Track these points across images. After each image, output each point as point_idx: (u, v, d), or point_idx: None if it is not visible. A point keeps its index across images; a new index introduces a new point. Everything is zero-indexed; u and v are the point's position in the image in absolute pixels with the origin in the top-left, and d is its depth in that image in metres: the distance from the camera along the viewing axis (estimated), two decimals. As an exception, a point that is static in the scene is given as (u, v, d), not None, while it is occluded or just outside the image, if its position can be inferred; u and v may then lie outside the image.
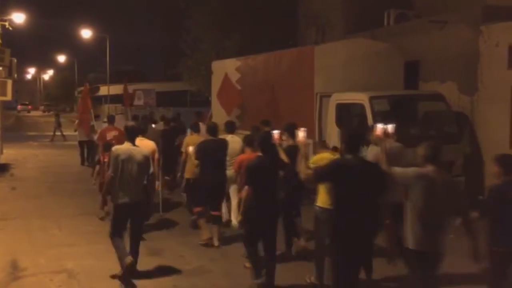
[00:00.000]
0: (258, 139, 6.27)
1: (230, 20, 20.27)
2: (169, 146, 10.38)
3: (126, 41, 66.34)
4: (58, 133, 25.06)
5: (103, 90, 36.18)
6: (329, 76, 10.29)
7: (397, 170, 4.73)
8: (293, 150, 5.91)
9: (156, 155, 8.23)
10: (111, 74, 36.35)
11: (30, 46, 79.82)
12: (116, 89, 38.41)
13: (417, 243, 4.55)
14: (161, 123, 12.69)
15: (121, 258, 6.10)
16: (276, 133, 6.01)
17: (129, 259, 6.05)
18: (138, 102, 26.45)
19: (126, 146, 6.33)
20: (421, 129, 9.93)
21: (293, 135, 6.34)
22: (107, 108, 22.75)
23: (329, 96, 10.09)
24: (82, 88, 52.01)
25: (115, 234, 6.22)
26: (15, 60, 17.10)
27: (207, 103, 19.29)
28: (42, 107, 74.27)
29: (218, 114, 13.56)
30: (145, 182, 6.37)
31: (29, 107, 74.16)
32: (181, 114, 16.95)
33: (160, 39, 47.63)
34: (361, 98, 9.39)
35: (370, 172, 4.73)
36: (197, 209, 7.90)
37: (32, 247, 7.73)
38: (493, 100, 10.37)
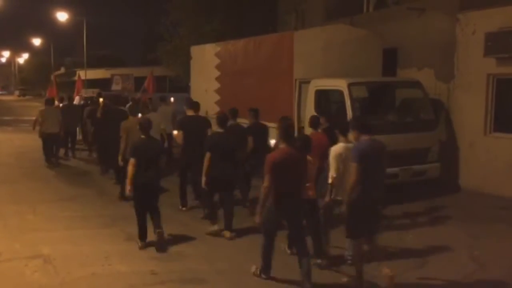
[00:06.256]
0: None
1: (210, 5, 20.07)
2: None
3: (104, 25, 65.02)
4: None
5: (80, 75, 35.55)
6: (308, 62, 10.29)
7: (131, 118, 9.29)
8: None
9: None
10: (89, 59, 35.73)
11: (4, 29, 77.91)
12: (93, 73, 37.86)
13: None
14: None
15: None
16: None
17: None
18: (116, 87, 26.10)
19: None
20: (398, 116, 10.04)
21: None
22: (84, 93, 22.41)
23: (308, 82, 10.10)
24: (58, 72, 51.18)
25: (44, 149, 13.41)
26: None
27: (187, 89, 19.16)
28: (17, 92, 72.74)
29: (197, 99, 13.48)
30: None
31: None
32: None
33: (139, 23, 46.98)
34: (340, 84, 9.42)
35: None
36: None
37: (7, 232, 7.62)
38: (469, 87, 10.51)
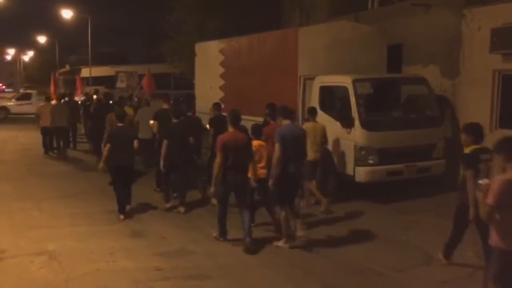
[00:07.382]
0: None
1: (214, 1, 20.01)
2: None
3: (108, 22, 65.19)
4: None
5: (85, 72, 35.64)
6: (313, 58, 10.24)
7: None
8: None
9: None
10: (93, 56, 35.77)
11: (10, 27, 78.09)
12: (98, 71, 37.90)
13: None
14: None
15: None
16: None
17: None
18: (121, 84, 26.14)
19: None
20: (403, 112, 10.00)
21: None
22: (89, 90, 22.57)
23: (313, 78, 10.06)
24: (63, 70, 51.24)
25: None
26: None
27: (191, 86, 19.16)
28: (22, 89, 72.86)
29: (202, 96, 13.54)
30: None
31: None
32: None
33: (143, 21, 46.91)
34: (344, 81, 9.38)
35: None
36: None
37: (12, 229, 7.65)
38: (474, 83, 10.46)
